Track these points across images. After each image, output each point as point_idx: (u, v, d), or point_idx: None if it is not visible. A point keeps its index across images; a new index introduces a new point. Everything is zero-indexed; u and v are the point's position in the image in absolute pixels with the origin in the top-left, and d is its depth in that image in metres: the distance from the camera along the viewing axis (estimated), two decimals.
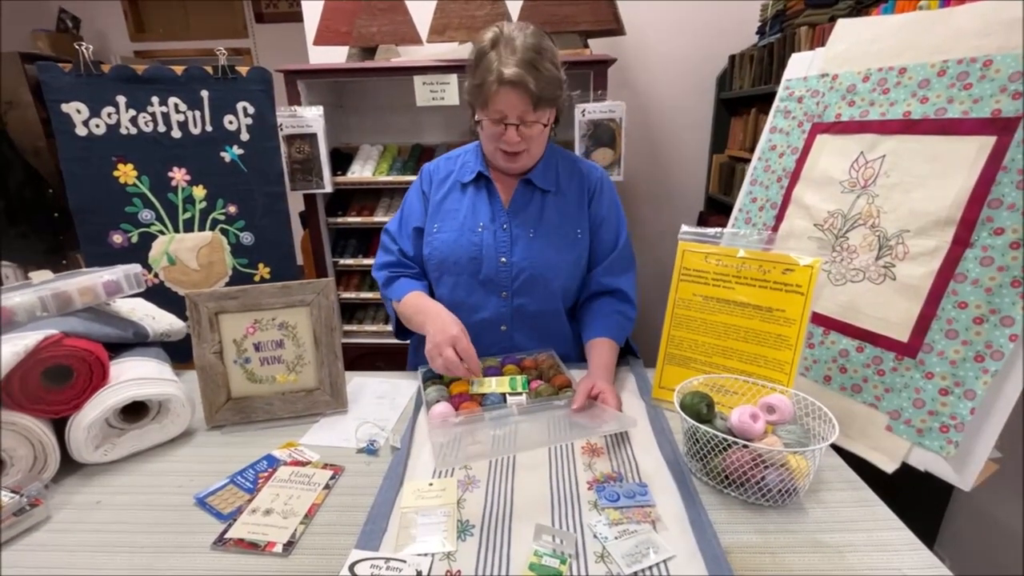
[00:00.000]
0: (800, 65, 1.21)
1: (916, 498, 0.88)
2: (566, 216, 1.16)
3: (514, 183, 1.16)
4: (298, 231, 1.97)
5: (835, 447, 0.90)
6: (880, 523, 0.73)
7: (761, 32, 2.22)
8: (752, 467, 0.75)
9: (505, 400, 1.00)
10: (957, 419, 0.83)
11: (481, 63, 1.01)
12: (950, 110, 0.90)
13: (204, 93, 1.50)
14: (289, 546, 0.71)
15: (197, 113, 1.51)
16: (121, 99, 1.45)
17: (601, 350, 1.10)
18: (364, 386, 1.14)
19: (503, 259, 1.13)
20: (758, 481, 0.75)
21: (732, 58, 2.37)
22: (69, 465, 0.86)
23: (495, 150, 1.09)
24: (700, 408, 0.83)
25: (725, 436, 0.76)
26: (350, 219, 2.28)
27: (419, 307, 1.10)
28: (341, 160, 2.28)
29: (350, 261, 2.32)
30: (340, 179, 2.19)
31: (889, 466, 0.90)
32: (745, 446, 0.76)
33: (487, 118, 1.04)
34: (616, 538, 0.70)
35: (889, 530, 0.72)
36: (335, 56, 2.24)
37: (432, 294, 1.22)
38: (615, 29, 2.05)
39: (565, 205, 1.16)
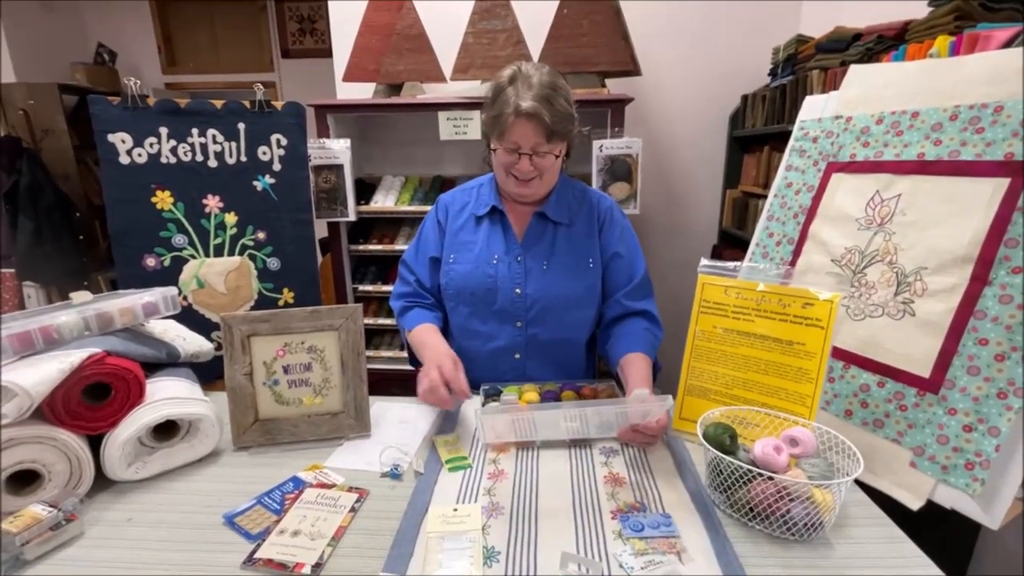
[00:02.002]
0: (814, 107, 1.25)
1: (940, 538, 0.87)
2: (578, 247, 1.19)
3: (528, 216, 1.20)
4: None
5: (858, 483, 0.90)
6: (909, 560, 0.73)
7: (773, 74, 2.29)
8: (777, 500, 0.75)
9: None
10: (982, 456, 0.83)
11: (499, 97, 1.07)
12: (963, 152, 0.93)
13: (241, 125, 1.58)
14: (317, 567, 0.72)
15: (233, 144, 1.59)
16: (163, 130, 1.53)
17: (638, 364, 1.10)
18: (386, 411, 1.16)
19: (518, 290, 1.16)
20: (783, 514, 0.75)
21: (745, 98, 2.44)
22: (100, 482, 0.88)
23: (507, 177, 1.13)
24: (723, 439, 0.84)
25: (750, 467, 0.77)
26: (371, 247, 2.34)
27: (423, 341, 1.14)
28: (364, 190, 2.36)
29: (369, 288, 2.37)
30: (363, 208, 2.26)
31: (914, 503, 0.89)
32: (770, 478, 0.76)
33: (503, 148, 1.09)
34: (642, 568, 0.70)
35: (919, 568, 0.71)
36: (359, 91, 2.34)
37: (446, 323, 1.25)
38: (632, 70, 2.13)
39: (576, 236, 1.20)
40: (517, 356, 1.20)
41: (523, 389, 1.13)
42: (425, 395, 1.04)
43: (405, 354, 2.42)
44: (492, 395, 1.12)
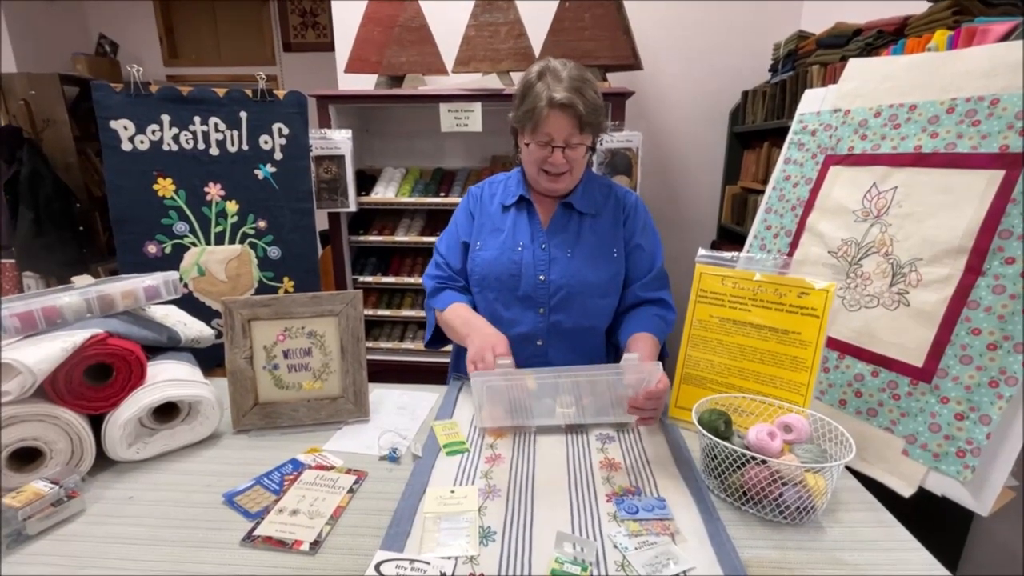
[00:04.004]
0: (813, 101, 1.26)
1: (932, 529, 0.88)
2: (602, 237, 1.21)
3: (554, 206, 1.22)
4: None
5: (852, 472, 0.91)
6: (900, 543, 0.74)
7: (774, 70, 2.30)
8: (770, 484, 0.77)
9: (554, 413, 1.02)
10: (973, 444, 0.84)
11: (530, 92, 1.08)
12: (959, 145, 0.94)
13: (243, 114, 1.59)
14: (316, 545, 0.73)
15: (235, 132, 1.59)
16: (165, 118, 1.54)
17: (641, 343, 1.11)
18: (385, 397, 1.17)
19: (541, 277, 1.18)
20: (776, 498, 0.76)
21: (745, 94, 2.45)
22: (102, 461, 0.89)
23: (538, 172, 1.14)
24: (718, 425, 0.85)
25: (744, 452, 0.78)
26: (372, 237, 2.34)
27: (466, 320, 1.15)
28: (365, 181, 2.37)
29: (369, 278, 2.38)
30: (364, 199, 2.27)
31: (906, 490, 0.90)
32: (763, 462, 0.77)
33: (535, 142, 1.10)
34: (636, 549, 0.72)
35: (908, 551, 0.72)
36: (361, 83, 2.35)
37: (475, 307, 1.26)
38: (633, 64, 2.14)
39: (601, 226, 1.21)
40: (539, 343, 1.21)
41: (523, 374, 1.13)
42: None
43: (404, 345, 2.45)
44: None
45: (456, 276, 1.27)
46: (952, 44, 1.15)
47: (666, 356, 1.23)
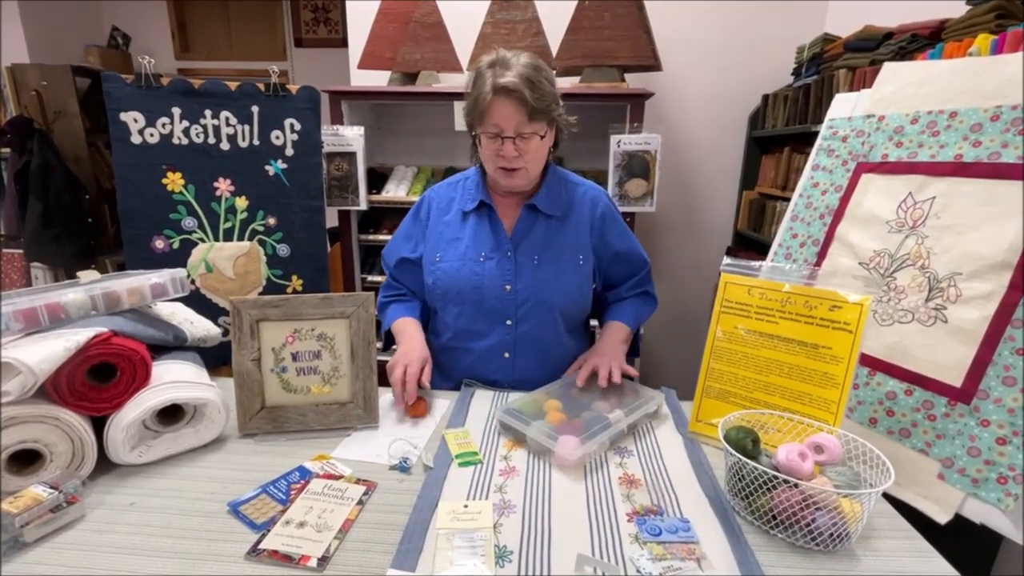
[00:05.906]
0: (844, 105, 1.22)
1: (958, 545, 0.83)
2: (569, 242, 1.17)
3: (517, 210, 1.16)
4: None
5: (883, 495, 0.87)
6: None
7: (796, 73, 2.25)
8: (802, 508, 0.72)
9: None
10: (1016, 470, 0.80)
11: (478, 81, 1.05)
12: (1004, 154, 0.89)
13: (255, 108, 1.56)
14: (324, 561, 0.69)
15: (246, 127, 1.57)
16: (176, 111, 1.51)
17: (604, 331, 1.22)
18: (394, 403, 1.13)
19: (507, 287, 1.14)
20: (808, 523, 0.72)
21: (765, 97, 2.40)
22: (103, 465, 0.86)
23: (495, 170, 1.10)
24: (746, 443, 0.81)
25: (775, 474, 0.74)
26: (381, 237, 2.31)
27: (401, 331, 1.20)
28: (376, 179, 2.34)
29: (378, 278, 2.35)
30: (374, 197, 2.23)
31: (942, 516, 0.86)
32: (795, 485, 0.73)
33: (484, 133, 1.06)
34: (660, 574, 0.68)
35: None
36: (373, 80, 2.32)
37: (426, 315, 1.29)
38: (652, 65, 2.09)
39: (568, 231, 1.17)
40: (506, 355, 1.17)
41: (539, 400, 1.05)
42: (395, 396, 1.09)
43: None
44: (517, 416, 0.99)
45: (398, 286, 1.29)
46: (996, 49, 1.10)
47: (639, 340, 1.30)
